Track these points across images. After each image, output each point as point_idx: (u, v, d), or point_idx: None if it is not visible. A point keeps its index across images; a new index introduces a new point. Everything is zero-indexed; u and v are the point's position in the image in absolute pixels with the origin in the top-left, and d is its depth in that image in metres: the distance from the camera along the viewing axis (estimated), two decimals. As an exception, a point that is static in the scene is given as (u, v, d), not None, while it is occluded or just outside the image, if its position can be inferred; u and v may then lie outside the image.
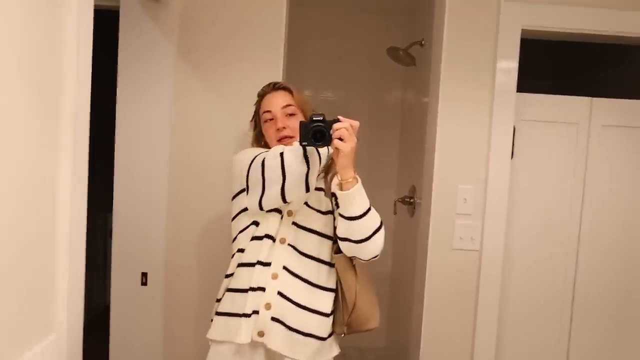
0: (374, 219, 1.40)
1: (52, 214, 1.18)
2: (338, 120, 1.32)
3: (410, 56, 2.68)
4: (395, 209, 2.84)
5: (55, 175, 1.18)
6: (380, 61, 3.25)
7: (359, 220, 1.37)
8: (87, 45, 1.25)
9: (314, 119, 1.33)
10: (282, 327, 1.46)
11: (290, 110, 1.56)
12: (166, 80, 2.02)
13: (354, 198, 1.35)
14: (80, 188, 1.26)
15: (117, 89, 2.02)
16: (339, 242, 1.44)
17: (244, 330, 1.46)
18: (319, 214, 1.52)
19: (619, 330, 2.21)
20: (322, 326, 1.50)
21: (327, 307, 1.52)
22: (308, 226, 1.51)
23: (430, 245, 2.10)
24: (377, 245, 1.41)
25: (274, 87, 1.61)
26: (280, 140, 1.52)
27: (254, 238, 1.52)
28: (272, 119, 1.56)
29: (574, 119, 2.13)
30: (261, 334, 1.46)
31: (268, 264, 1.48)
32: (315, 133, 1.32)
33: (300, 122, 1.36)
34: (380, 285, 3.26)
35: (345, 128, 1.30)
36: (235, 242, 1.58)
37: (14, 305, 1.04)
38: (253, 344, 1.49)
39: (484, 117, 2.05)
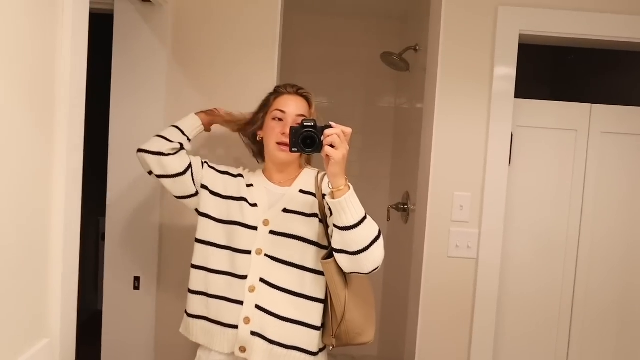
0: (370, 228, 1.32)
1: (46, 219, 1.17)
2: (330, 126, 1.27)
3: (405, 61, 2.68)
4: (389, 215, 2.83)
5: (49, 179, 1.17)
6: (373, 67, 3.26)
7: (354, 229, 1.28)
8: (82, 47, 1.23)
9: (304, 124, 1.30)
10: (263, 341, 1.43)
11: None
12: (159, 83, 2.00)
13: (347, 206, 1.27)
14: (74, 193, 1.25)
15: (111, 92, 2.00)
16: (336, 256, 1.35)
17: (224, 341, 1.46)
18: (300, 217, 1.46)
19: (619, 339, 2.19)
20: (309, 339, 1.45)
21: (314, 319, 1.45)
22: (288, 232, 1.45)
23: (425, 253, 2.08)
24: (375, 256, 1.32)
25: (297, 91, 1.55)
26: (279, 144, 1.47)
27: (226, 248, 1.50)
28: (281, 120, 1.49)
29: (572, 126, 2.12)
30: (242, 349, 1.43)
31: (244, 277, 1.45)
32: (305, 139, 1.29)
33: (291, 127, 1.33)
34: (373, 292, 3.25)
35: (336, 134, 1.25)
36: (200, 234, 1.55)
37: (7, 309, 1.03)
38: (235, 358, 1.47)
39: (481, 123, 2.04)
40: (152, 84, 1.99)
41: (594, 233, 2.16)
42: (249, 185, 1.55)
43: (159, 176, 1.57)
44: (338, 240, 1.32)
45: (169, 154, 1.55)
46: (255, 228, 1.47)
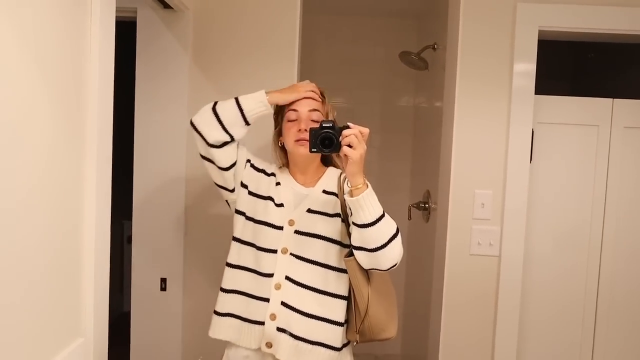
0: (388, 225, 1.35)
1: (79, 222, 1.21)
2: (347, 127, 1.31)
3: (423, 60, 2.68)
4: (410, 214, 2.83)
5: (81, 185, 1.20)
6: (391, 66, 3.27)
7: (372, 227, 1.32)
8: (109, 54, 1.27)
9: (323, 125, 1.34)
10: (288, 337, 1.45)
11: (315, 115, 1.53)
12: (181, 87, 2.04)
13: (365, 204, 1.31)
14: (104, 198, 1.28)
15: (135, 97, 2.04)
16: (355, 253, 1.39)
17: (251, 337, 1.48)
18: (324, 217, 1.49)
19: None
20: (334, 335, 1.47)
21: (338, 315, 1.48)
22: (312, 232, 1.48)
23: (447, 251, 2.08)
24: (394, 253, 1.36)
25: None
26: (298, 141, 1.49)
27: (251, 246, 1.52)
28: (296, 120, 1.52)
29: (594, 121, 2.10)
30: (269, 345, 1.46)
31: (269, 275, 1.48)
32: (324, 139, 1.33)
33: (310, 128, 1.37)
34: (395, 291, 3.25)
35: (354, 135, 1.29)
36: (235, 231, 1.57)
37: (44, 311, 1.07)
38: (262, 354, 1.49)
39: (501, 120, 2.04)
40: (174, 88, 2.03)
41: (618, 228, 2.14)
42: (277, 184, 1.57)
43: (202, 157, 1.55)
44: (357, 237, 1.35)
45: (213, 146, 1.51)
46: (281, 228, 1.49)
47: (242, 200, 1.56)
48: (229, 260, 1.55)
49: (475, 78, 2.04)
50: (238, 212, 1.57)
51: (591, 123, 2.10)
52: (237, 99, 1.53)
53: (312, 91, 1.56)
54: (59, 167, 1.10)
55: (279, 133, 1.59)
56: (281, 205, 1.53)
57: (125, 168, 2.06)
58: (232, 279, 1.54)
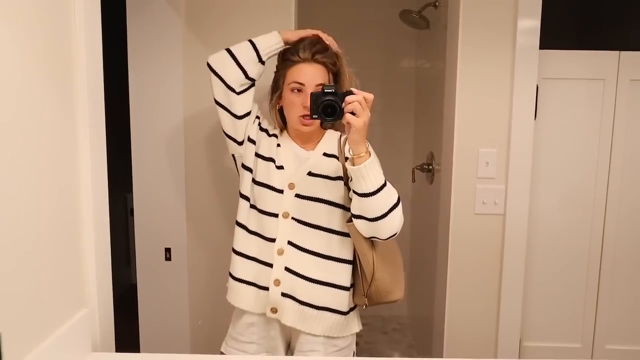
0: (389, 195, 1.32)
1: (75, 193, 1.19)
2: (351, 93, 1.25)
3: (425, 19, 2.61)
4: (414, 176, 2.81)
5: (74, 155, 1.18)
6: (391, 27, 3.20)
7: (373, 196, 1.29)
8: (95, 20, 1.23)
9: (325, 90, 1.28)
10: (293, 302, 1.45)
11: None
12: (175, 52, 2.00)
13: (366, 173, 1.28)
14: (99, 165, 1.26)
15: (128, 66, 2.00)
16: (354, 221, 1.37)
17: (257, 302, 1.48)
18: (326, 180, 1.46)
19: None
20: (340, 299, 1.47)
21: (344, 280, 1.47)
22: (314, 195, 1.45)
23: (452, 211, 2.07)
24: (394, 223, 1.33)
25: (313, 57, 1.46)
26: (303, 117, 1.44)
27: (254, 208, 1.50)
28: (300, 91, 1.45)
29: (600, 75, 2.05)
30: (274, 310, 1.46)
31: (272, 240, 1.46)
32: (326, 107, 1.28)
33: (311, 93, 1.31)
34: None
35: (358, 101, 1.23)
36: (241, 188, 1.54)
37: (46, 282, 1.07)
38: (267, 320, 1.50)
39: (505, 77, 1.99)
40: (168, 53, 1.99)
41: (623, 184, 2.12)
42: (277, 145, 1.53)
43: (216, 102, 1.52)
44: (357, 206, 1.33)
45: (232, 90, 1.48)
46: (281, 191, 1.47)
47: (249, 157, 1.52)
48: (238, 219, 1.53)
49: (478, 34, 1.98)
50: (245, 167, 1.53)
51: (597, 77, 2.06)
52: (250, 40, 1.52)
53: (319, 36, 1.53)
54: (50, 138, 1.08)
55: (279, 96, 1.53)
56: (281, 167, 1.49)
57: (124, 142, 2.03)
58: (241, 240, 1.52)
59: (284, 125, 1.58)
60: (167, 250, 2.06)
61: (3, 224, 0.91)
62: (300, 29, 1.61)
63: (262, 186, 1.48)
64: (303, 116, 1.44)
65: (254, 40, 1.51)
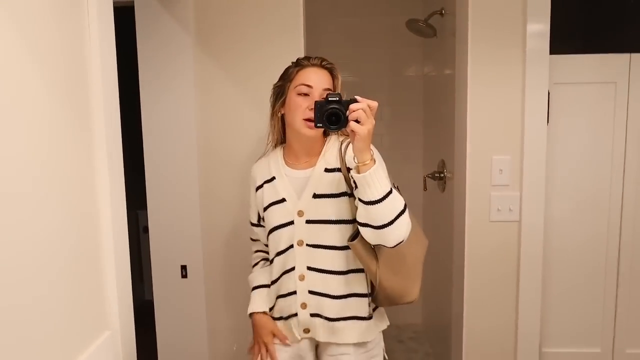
0: (395, 202, 1.30)
1: (95, 214, 1.20)
2: (355, 101, 1.25)
3: (431, 27, 2.62)
4: (425, 184, 2.81)
5: (93, 177, 1.19)
6: (398, 36, 3.21)
7: (379, 204, 1.27)
8: (109, 41, 1.23)
9: (329, 99, 1.27)
10: (323, 320, 1.48)
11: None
12: (187, 72, 2.00)
13: (372, 181, 1.26)
14: (118, 188, 1.27)
15: (140, 84, 2.00)
16: (360, 229, 1.36)
17: (291, 331, 1.53)
18: (331, 199, 1.45)
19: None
20: (362, 306, 1.49)
21: (363, 288, 1.49)
22: (323, 218, 1.45)
23: (467, 219, 2.07)
24: (400, 230, 1.32)
25: (321, 63, 1.49)
26: (306, 120, 1.43)
27: (280, 252, 1.53)
28: (307, 94, 1.45)
29: (611, 78, 2.05)
30: (306, 330, 1.51)
31: (292, 269, 1.49)
32: (330, 115, 1.27)
33: (315, 101, 1.31)
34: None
35: (362, 109, 1.22)
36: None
37: (68, 306, 1.07)
38: (300, 339, 1.54)
39: (516, 83, 1.99)
40: (179, 73, 1.99)
41: (638, 187, 2.11)
42: (272, 179, 1.54)
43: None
44: (363, 214, 1.32)
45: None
46: (292, 222, 1.48)
47: (269, 220, 1.55)
48: (272, 278, 1.58)
49: (487, 42, 1.99)
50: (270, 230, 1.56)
51: (608, 80, 2.06)
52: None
53: None
54: (70, 161, 1.08)
55: (282, 103, 1.52)
56: (283, 200, 1.50)
57: (133, 159, 2.04)
58: (274, 290, 1.56)
59: (282, 138, 1.58)
60: (183, 267, 2.06)
61: (31, 252, 0.92)
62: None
63: (275, 230, 1.51)
64: (307, 119, 1.43)
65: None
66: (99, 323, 1.20)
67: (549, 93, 1.99)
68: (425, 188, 2.82)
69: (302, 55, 1.99)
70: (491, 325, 2.12)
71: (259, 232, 1.63)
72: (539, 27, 1.94)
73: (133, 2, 1.97)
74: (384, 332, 1.57)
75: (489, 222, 2.07)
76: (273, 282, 1.56)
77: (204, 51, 2.02)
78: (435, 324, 2.99)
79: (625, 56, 2.04)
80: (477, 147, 2.03)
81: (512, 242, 2.07)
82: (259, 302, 1.60)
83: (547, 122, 2.00)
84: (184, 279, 2.06)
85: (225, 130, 2.06)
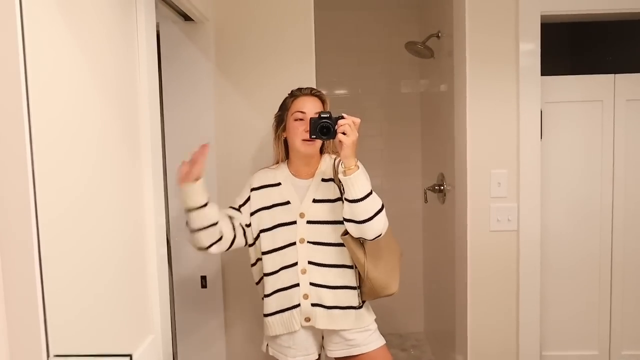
0: (374, 202, 1.59)
1: (142, 230, 1.31)
2: (342, 117, 1.55)
3: (429, 49, 2.77)
4: (426, 197, 2.94)
5: (141, 196, 1.30)
6: (395, 56, 3.35)
7: (361, 202, 1.56)
8: (154, 78, 1.37)
9: (321, 115, 1.59)
10: (322, 309, 1.71)
11: None
12: (207, 94, 2.14)
13: (356, 182, 1.55)
14: (159, 207, 1.39)
15: (163, 107, 2.12)
16: (345, 224, 1.62)
17: (294, 320, 1.72)
18: (328, 203, 1.73)
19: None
20: (354, 297, 1.74)
21: (353, 282, 1.74)
22: (320, 219, 1.72)
23: (469, 229, 2.20)
24: (379, 226, 1.60)
25: (312, 92, 1.78)
26: (304, 141, 1.69)
27: (277, 249, 1.75)
28: (302, 119, 1.71)
29: (598, 97, 2.21)
30: (307, 319, 1.72)
31: (294, 264, 1.72)
32: (322, 128, 1.58)
33: (310, 118, 1.62)
34: (412, 272, 3.37)
35: (348, 124, 1.53)
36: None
37: (123, 311, 1.17)
38: (301, 329, 1.74)
39: (511, 102, 2.15)
40: (200, 95, 2.13)
41: (627, 194, 2.25)
42: (278, 184, 1.77)
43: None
44: (347, 211, 1.59)
45: (218, 246, 1.74)
46: (294, 222, 1.73)
47: (260, 221, 1.76)
48: (266, 271, 1.76)
49: (484, 63, 2.15)
50: (262, 230, 1.76)
51: (595, 99, 2.22)
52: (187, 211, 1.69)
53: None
54: (125, 182, 1.20)
55: (283, 129, 1.78)
56: (288, 202, 1.74)
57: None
58: (271, 283, 1.76)
59: (286, 156, 1.82)
60: (203, 278, 2.16)
61: (88, 262, 1.03)
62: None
63: (277, 227, 1.73)
64: (305, 140, 1.69)
65: (187, 210, 1.68)
66: (144, 327, 1.31)
67: (541, 111, 2.15)
68: (425, 200, 2.95)
69: (314, 80, 2.15)
70: (494, 331, 2.23)
71: (235, 214, 1.79)
72: (530, 50, 2.11)
73: (157, 30, 2.09)
74: (387, 341, 1.81)
75: (490, 231, 2.20)
76: (268, 274, 1.75)
77: (223, 75, 2.17)
78: (437, 331, 3.09)
79: (609, 76, 2.20)
80: (476, 161, 2.18)
81: (511, 250, 2.21)
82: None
83: (541, 138, 2.16)
84: (204, 289, 2.17)
85: (242, 149, 2.20)
